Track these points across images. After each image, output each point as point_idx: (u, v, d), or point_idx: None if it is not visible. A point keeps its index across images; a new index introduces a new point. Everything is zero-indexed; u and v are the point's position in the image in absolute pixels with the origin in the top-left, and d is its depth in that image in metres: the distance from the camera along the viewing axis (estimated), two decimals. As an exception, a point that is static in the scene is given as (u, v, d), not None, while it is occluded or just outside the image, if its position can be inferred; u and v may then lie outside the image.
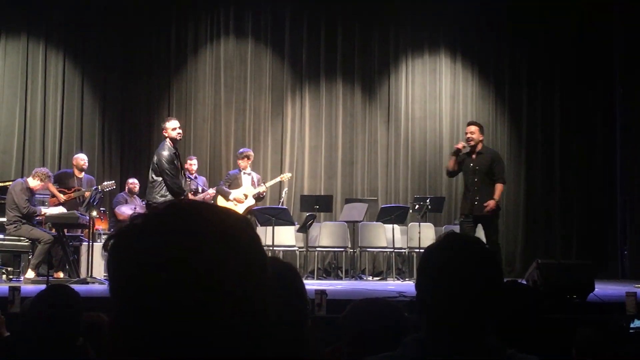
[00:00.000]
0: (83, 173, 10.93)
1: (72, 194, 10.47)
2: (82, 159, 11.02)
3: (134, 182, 11.85)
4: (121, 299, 0.97)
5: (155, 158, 8.96)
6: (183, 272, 0.94)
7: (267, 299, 1.01)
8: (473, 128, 8.95)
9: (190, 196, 11.56)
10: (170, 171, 8.82)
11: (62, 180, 10.68)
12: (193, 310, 0.93)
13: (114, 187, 11.24)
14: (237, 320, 0.96)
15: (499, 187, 8.84)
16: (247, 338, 0.97)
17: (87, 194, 10.57)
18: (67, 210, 10.01)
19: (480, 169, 8.82)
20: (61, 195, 10.36)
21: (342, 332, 2.58)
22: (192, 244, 0.95)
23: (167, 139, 8.99)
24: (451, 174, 9.23)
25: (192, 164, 11.73)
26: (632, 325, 3.26)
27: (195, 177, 11.64)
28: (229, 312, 0.95)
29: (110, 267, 0.99)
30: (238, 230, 1.01)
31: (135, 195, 11.77)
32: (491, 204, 8.66)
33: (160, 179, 8.82)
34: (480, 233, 8.92)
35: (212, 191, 11.32)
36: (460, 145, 8.98)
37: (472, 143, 8.84)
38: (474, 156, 8.88)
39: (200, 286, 0.93)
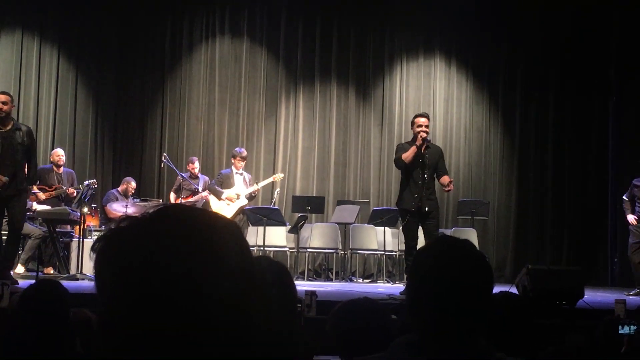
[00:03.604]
0: (62, 168, 10.89)
1: (52, 192, 10.43)
2: (57, 154, 10.96)
3: (134, 186, 11.75)
4: (106, 300, 0.98)
5: None
6: (167, 275, 0.95)
7: (254, 303, 1.01)
8: (427, 121, 8.59)
9: (186, 197, 11.59)
10: None
11: (41, 176, 10.40)
12: (176, 312, 0.94)
13: (95, 185, 11.18)
14: (221, 323, 0.96)
15: (447, 178, 8.50)
16: (233, 341, 0.98)
17: (70, 190, 10.53)
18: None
19: (429, 164, 8.52)
20: (41, 194, 10.31)
21: (330, 331, 2.59)
22: (177, 248, 0.96)
23: None
24: (404, 167, 8.56)
25: (195, 167, 11.71)
26: (620, 332, 3.27)
27: (197, 178, 11.64)
28: (213, 315, 0.96)
29: (96, 268, 1.00)
30: (225, 235, 1.01)
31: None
32: (449, 184, 8.37)
33: None
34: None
35: (205, 194, 11.29)
36: (426, 136, 8.44)
37: (427, 136, 8.51)
38: (423, 150, 8.50)
39: (184, 289, 0.95)
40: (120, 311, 0.95)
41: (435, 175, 8.64)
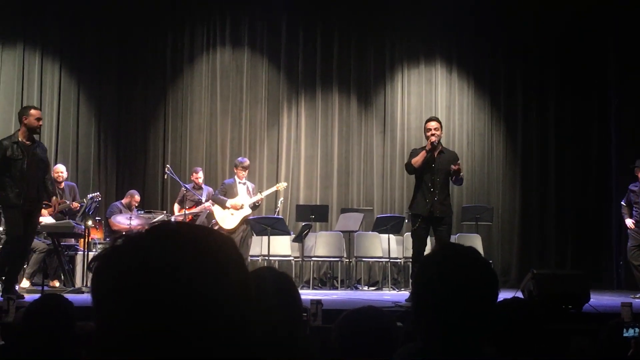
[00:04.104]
0: (63, 183, 10.90)
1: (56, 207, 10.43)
2: (57, 171, 10.94)
3: (137, 199, 11.73)
4: (103, 317, 1.00)
5: None
6: (167, 278, 0.96)
7: (251, 315, 1.03)
8: (437, 124, 8.52)
9: (190, 208, 11.57)
10: None
11: None
12: (176, 314, 0.96)
13: (99, 198, 11.21)
14: (221, 324, 0.98)
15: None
16: (232, 342, 0.99)
17: (74, 205, 10.54)
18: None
19: (442, 169, 8.43)
20: (44, 210, 10.31)
21: (335, 341, 2.59)
22: (176, 253, 0.98)
23: (20, 130, 8.08)
24: (414, 171, 8.52)
25: (199, 177, 11.71)
26: (625, 335, 3.26)
27: (200, 188, 11.64)
28: (213, 316, 0.97)
29: (93, 287, 1.02)
30: (220, 243, 1.03)
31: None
32: (458, 167, 8.34)
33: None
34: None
35: (208, 204, 11.26)
36: (435, 139, 8.38)
37: (438, 140, 8.42)
38: (436, 155, 8.46)
39: (184, 292, 0.96)
40: (121, 316, 0.97)
41: (450, 180, 8.56)
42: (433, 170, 8.42)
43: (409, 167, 8.58)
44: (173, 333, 0.95)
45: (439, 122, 8.71)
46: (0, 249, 8.25)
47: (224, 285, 0.99)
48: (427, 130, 8.51)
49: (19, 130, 8.16)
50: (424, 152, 8.40)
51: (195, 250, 1.00)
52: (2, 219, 8.60)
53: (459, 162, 8.52)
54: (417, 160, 8.40)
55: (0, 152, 7.87)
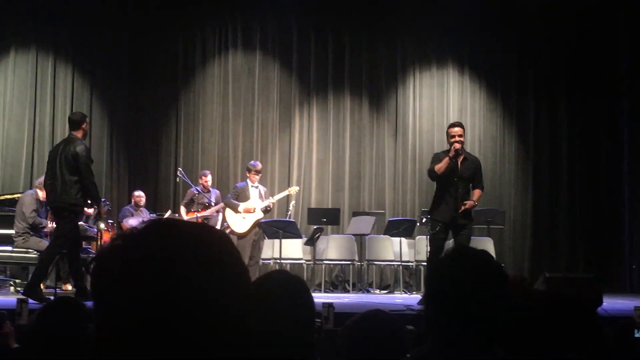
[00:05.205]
0: None
1: None
2: None
3: (140, 195, 11.83)
4: (103, 316, 1.01)
5: (69, 154, 8.09)
6: (160, 286, 0.97)
7: (248, 309, 1.04)
8: (461, 130, 8.33)
9: (200, 211, 11.59)
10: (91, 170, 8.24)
11: None
12: (175, 313, 0.97)
13: (110, 208, 11.27)
14: (214, 329, 0.99)
15: (478, 192, 8.41)
16: (225, 346, 1.00)
17: (90, 211, 10.57)
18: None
19: (465, 176, 8.32)
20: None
21: (342, 346, 2.58)
22: (168, 259, 0.99)
23: (79, 135, 8.29)
24: (437, 178, 8.35)
25: (208, 180, 11.72)
26: (637, 335, 3.26)
27: (209, 191, 11.66)
28: (205, 321, 0.98)
29: (92, 288, 1.03)
30: (215, 243, 1.04)
31: (141, 208, 11.77)
32: (469, 203, 8.21)
33: (76, 177, 8.08)
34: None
35: (218, 207, 11.27)
36: (459, 146, 8.21)
37: (462, 146, 8.27)
38: (459, 161, 8.31)
39: (179, 302, 0.97)
40: (120, 314, 0.98)
41: (471, 187, 8.46)
42: (456, 177, 8.27)
43: (432, 174, 8.41)
44: (172, 330, 0.96)
45: (463, 127, 8.53)
46: (49, 251, 8.17)
47: (221, 280, 1.00)
48: (450, 136, 8.32)
49: (77, 135, 8.24)
50: (447, 159, 8.22)
51: (191, 245, 1.01)
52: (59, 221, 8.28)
53: (472, 200, 8.39)
54: (441, 167, 8.23)
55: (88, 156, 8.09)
